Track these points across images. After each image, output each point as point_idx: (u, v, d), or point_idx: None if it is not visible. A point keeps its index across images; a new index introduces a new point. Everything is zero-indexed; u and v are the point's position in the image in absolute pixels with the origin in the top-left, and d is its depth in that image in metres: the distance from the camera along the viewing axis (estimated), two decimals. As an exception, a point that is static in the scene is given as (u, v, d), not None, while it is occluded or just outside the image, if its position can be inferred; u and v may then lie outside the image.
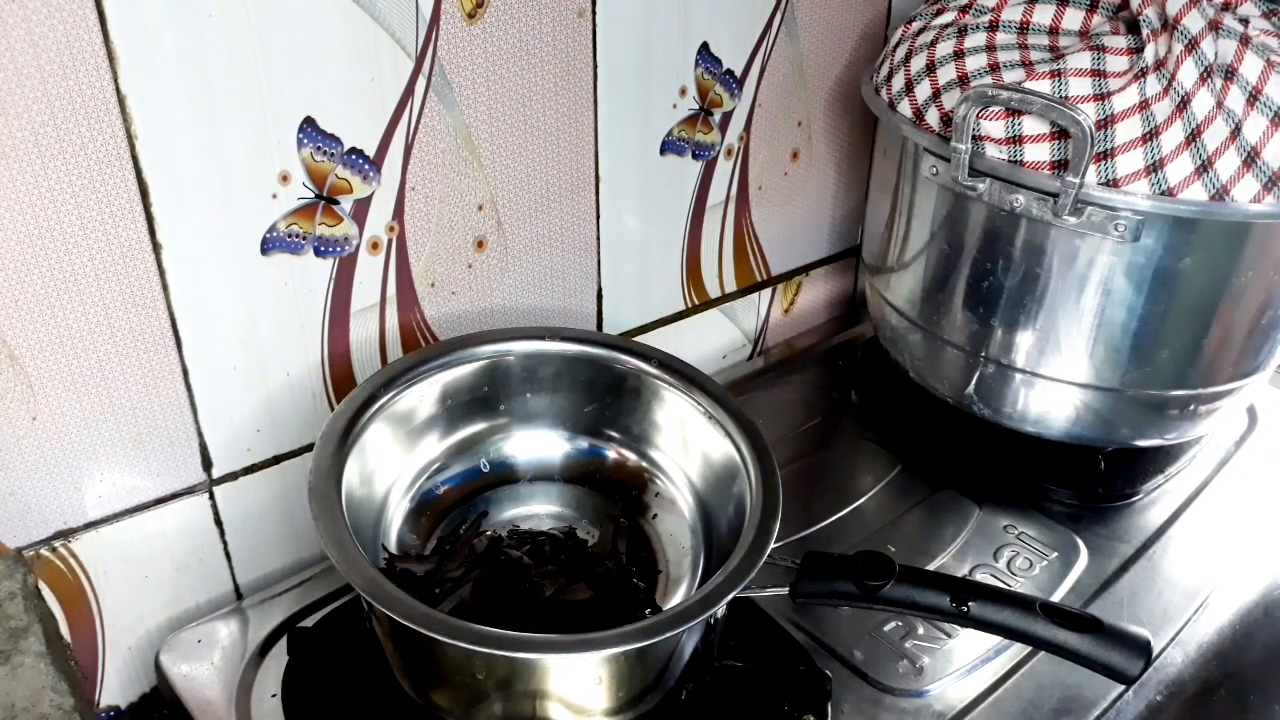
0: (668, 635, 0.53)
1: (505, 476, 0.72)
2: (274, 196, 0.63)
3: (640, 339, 0.89)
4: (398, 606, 0.52)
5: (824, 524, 0.78)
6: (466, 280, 0.75)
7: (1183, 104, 0.65)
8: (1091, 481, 0.82)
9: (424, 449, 0.69)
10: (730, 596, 0.54)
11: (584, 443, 0.73)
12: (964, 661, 0.67)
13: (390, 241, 0.70)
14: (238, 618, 0.69)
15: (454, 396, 0.69)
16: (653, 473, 0.71)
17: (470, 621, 0.52)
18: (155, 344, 0.62)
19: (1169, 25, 0.66)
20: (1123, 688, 0.65)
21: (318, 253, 0.67)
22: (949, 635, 0.68)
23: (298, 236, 0.65)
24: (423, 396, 0.68)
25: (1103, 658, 0.53)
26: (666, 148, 0.83)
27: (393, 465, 0.67)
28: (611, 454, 0.72)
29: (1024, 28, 0.74)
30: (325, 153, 0.64)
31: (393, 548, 0.65)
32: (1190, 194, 0.66)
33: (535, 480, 0.73)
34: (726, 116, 0.86)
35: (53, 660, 0.50)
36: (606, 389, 0.70)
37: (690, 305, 0.93)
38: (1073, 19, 0.74)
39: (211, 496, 0.69)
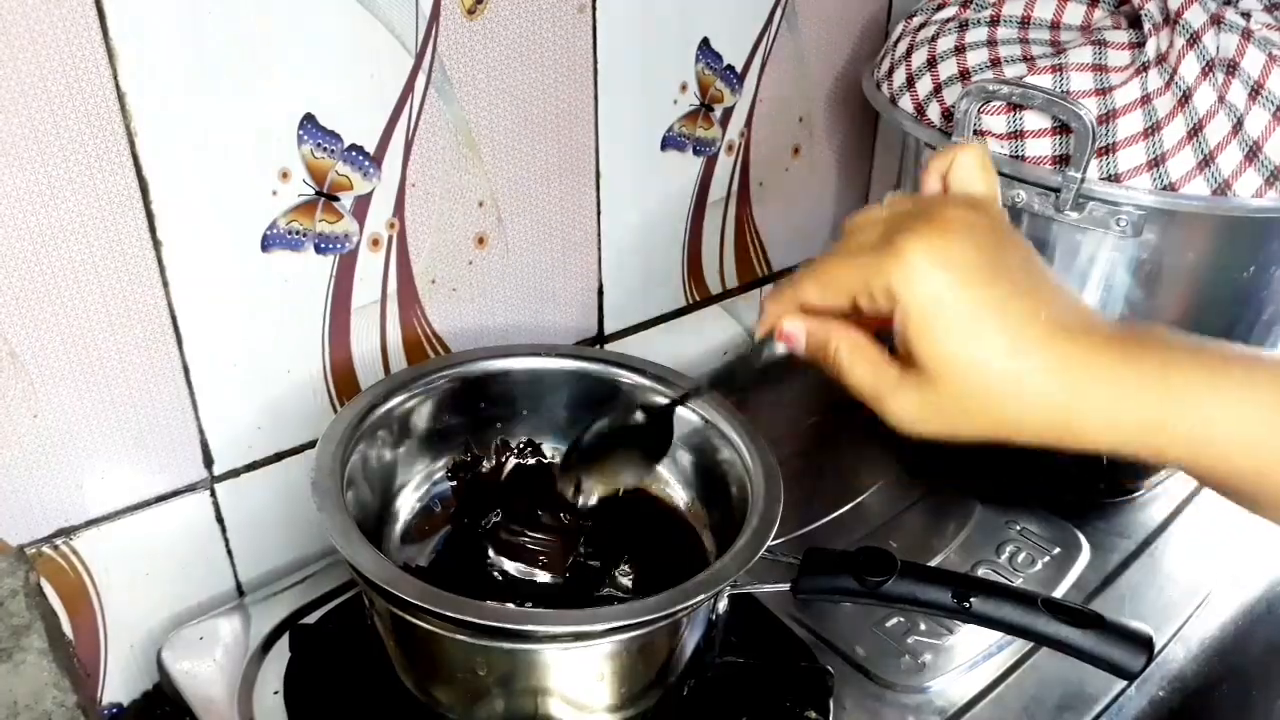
0: (677, 609, 0.52)
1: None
2: (274, 193, 0.63)
3: (642, 336, 0.89)
4: (404, 587, 0.52)
5: (825, 520, 0.78)
6: (467, 277, 0.75)
7: (1184, 98, 0.65)
8: (1094, 477, 0.82)
9: (423, 460, 0.69)
10: (732, 579, 0.54)
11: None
12: (966, 657, 0.67)
13: (390, 238, 0.70)
14: (239, 614, 0.69)
15: (453, 410, 0.69)
16: (653, 477, 0.71)
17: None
18: (156, 341, 0.62)
19: (1170, 20, 0.66)
20: (1125, 683, 0.65)
21: (318, 249, 0.67)
22: (951, 631, 0.68)
23: (298, 233, 0.65)
24: (422, 408, 0.67)
25: (1105, 653, 0.53)
26: (667, 143, 0.83)
27: (392, 475, 0.67)
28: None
29: (1025, 22, 0.74)
30: (325, 149, 0.64)
31: (393, 554, 0.65)
32: (1192, 189, 0.66)
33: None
34: (727, 112, 0.86)
35: (55, 658, 0.50)
36: (604, 403, 0.71)
37: (691, 301, 0.93)
38: (1074, 13, 0.74)
39: (213, 494, 0.69)
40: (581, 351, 0.73)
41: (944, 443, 0.44)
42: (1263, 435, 0.40)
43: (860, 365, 0.45)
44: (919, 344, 0.42)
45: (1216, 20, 0.65)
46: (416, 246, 0.71)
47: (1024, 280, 0.43)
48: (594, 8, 0.73)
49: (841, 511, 0.79)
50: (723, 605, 0.59)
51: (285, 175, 0.63)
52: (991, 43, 0.73)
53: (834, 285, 0.45)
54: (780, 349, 0.49)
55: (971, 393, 0.42)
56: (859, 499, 0.81)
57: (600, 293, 0.85)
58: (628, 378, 0.70)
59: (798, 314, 0.47)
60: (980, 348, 0.41)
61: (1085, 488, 0.82)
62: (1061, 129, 0.67)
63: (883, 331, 0.45)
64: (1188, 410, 0.41)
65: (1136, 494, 0.82)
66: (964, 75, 0.73)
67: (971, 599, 0.55)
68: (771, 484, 0.60)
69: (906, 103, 0.77)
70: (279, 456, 0.71)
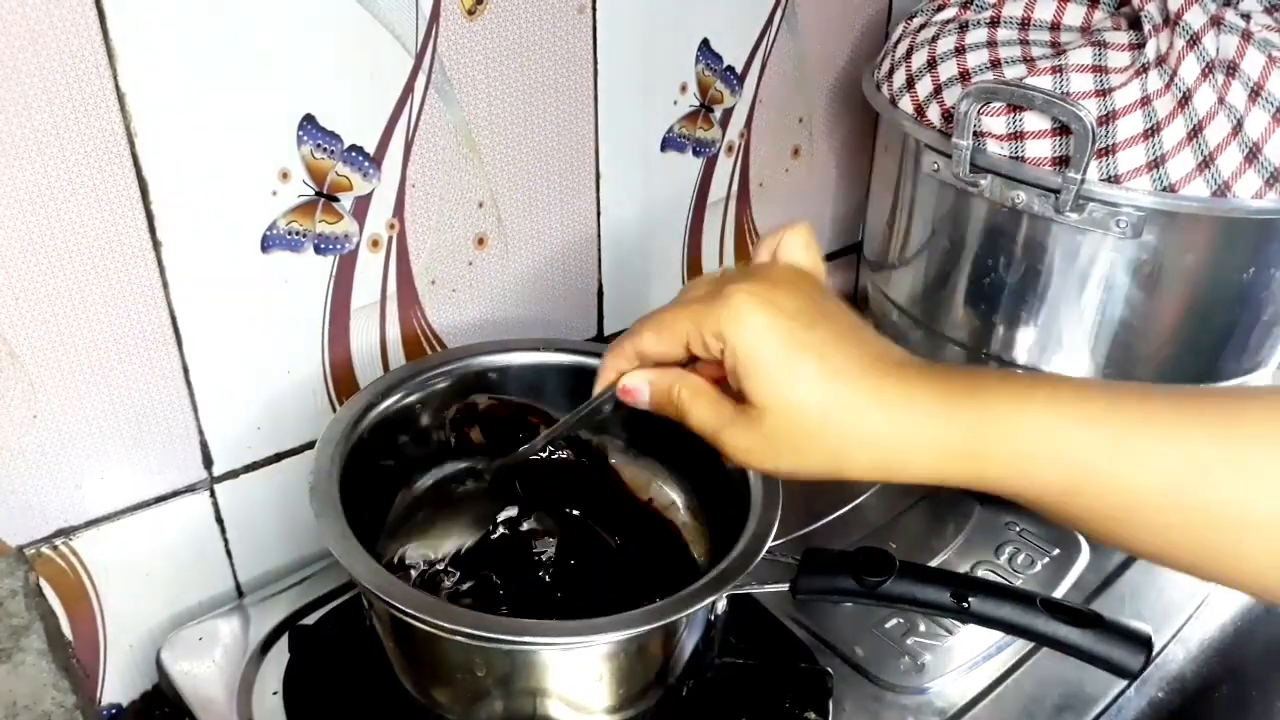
0: (670, 619, 0.52)
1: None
2: (274, 194, 0.63)
3: (641, 336, 0.89)
4: (400, 597, 0.52)
5: (825, 521, 0.78)
6: (467, 278, 0.75)
7: (1184, 100, 0.65)
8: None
9: (423, 456, 0.69)
10: (733, 584, 0.54)
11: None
12: (965, 658, 0.67)
13: (390, 239, 0.70)
14: (239, 615, 0.69)
15: (452, 406, 0.69)
16: (651, 476, 0.71)
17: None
18: (156, 341, 0.62)
19: (1170, 21, 0.66)
20: (1124, 684, 0.65)
21: (318, 250, 0.67)
22: (950, 632, 0.68)
23: (298, 234, 0.65)
24: (421, 405, 0.67)
25: (1104, 654, 0.53)
26: (667, 144, 0.83)
27: (391, 471, 0.67)
28: (610, 459, 0.72)
29: (1025, 23, 0.74)
30: (325, 150, 0.64)
31: (392, 551, 0.65)
32: (1192, 190, 0.66)
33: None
34: (727, 113, 0.86)
35: (54, 658, 0.49)
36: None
37: (691, 302, 0.93)
38: (1074, 14, 0.74)
39: (212, 494, 0.69)
40: (580, 346, 0.73)
41: (785, 480, 0.47)
42: (1075, 451, 0.42)
43: (699, 404, 0.48)
44: (746, 382, 0.45)
45: (1216, 21, 0.65)
46: (416, 247, 0.71)
47: (842, 326, 0.46)
48: (594, 8, 0.73)
49: (841, 512, 0.79)
50: (722, 606, 0.59)
51: (285, 176, 0.63)
52: (991, 44, 0.73)
53: (669, 332, 0.48)
54: (602, 407, 0.52)
55: (796, 428, 0.45)
56: (858, 499, 0.81)
57: (600, 293, 0.85)
58: None
59: (637, 367, 0.50)
60: (800, 385, 0.44)
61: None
62: (1061, 130, 0.67)
63: (720, 383, 0.48)
64: (1000, 433, 0.43)
65: (1136, 495, 0.82)
66: (964, 76, 0.73)
67: (970, 599, 0.55)
68: (770, 486, 0.60)
69: (906, 104, 0.77)
70: (278, 457, 0.71)
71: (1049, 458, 0.42)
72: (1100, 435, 0.42)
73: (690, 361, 0.49)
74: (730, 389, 0.47)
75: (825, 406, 0.44)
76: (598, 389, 0.52)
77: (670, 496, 0.70)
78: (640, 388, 0.50)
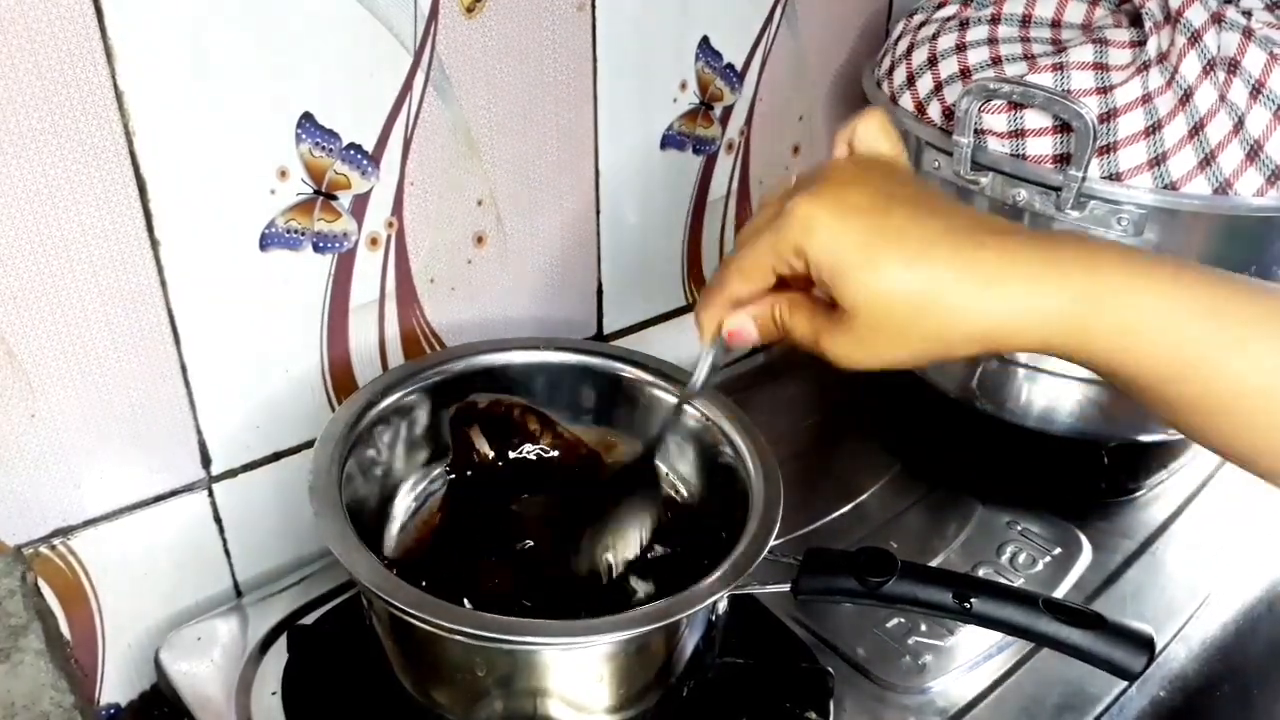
0: (671, 619, 0.52)
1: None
2: (272, 192, 0.63)
3: (641, 335, 0.89)
4: (400, 596, 0.52)
5: (826, 521, 0.78)
6: (466, 276, 0.75)
7: (1185, 97, 0.65)
8: (1095, 477, 0.82)
9: (422, 455, 0.69)
10: (733, 586, 0.54)
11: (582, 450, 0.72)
12: (966, 658, 0.67)
13: (389, 237, 0.69)
14: (237, 615, 0.69)
15: (450, 405, 0.69)
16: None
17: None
18: (154, 341, 0.62)
19: (1171, 18, 0.66)
20: (1126, 684, 0.65)
21: (316, 248, 0.66)
22: (951, 632, 0.68)
23: (296, 232, 0.65)
24: (420, 404, 0.67)
25: (1105, 654, 0.53)
26: (667, 142, 0.83)
27: (390, 471, 0.67)
28: (610, 460, 0.71)
29: (1026, 21, 0.74)
30: (323, 148, 0.64)
31: (391, 551, 0.65)
32: (1193, 188, 0.65)
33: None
34: (727, 111, 0.86)
35: (52, 658, 0.49)
36: (603, 397, 0.71)
37: (691, 301, 0.93)
38: (1075, 12, 0.74)
39: (211, 494, 0.69)
40: (579, 345, 0.73)
41: (887, 372, 0.46)
42: (1189, 335, 0.41)
43: (797, 317, 0.48)
44: (832, 287, 0.44)
45: (1217, 19, 0.65)
46: (415, 245, 0.71)
47: (923, 207, 0.44)
48: (593, 6, 0.73)
49: (842, 511, 0.79)
50: (722, 606, 0.58)
51: (283, 174, 0.63)
52: (992, 41, 0.73)
53: (752, 269, 0.47)
54: (718, 358, 0.52)
55: (891, 319, 0.43)
56: (859, 499, 0.81)
57: (599, 292, 0.84)
58: (628, 371, 0.69)
59: (732, 311, 0.50)
60: (884, 275, 0.43)
61: (1086, 487, 0.82)
62: (1062, 128, 0.67)
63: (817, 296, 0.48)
64: (1113, 304, 0.41)
65: (1138, 494, 0.82)
66: (965, 74, 0.73)
67: (972, 599, 0.55)
68: (771, 487, 0.60)
69: (907, 101, 0.77)
70: (277, 456, 0.71)
71: (1161, 339, 0.41)
72: (1216, 326, 0.41)
73: (782, 287, 0.49)
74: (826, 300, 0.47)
75: (915, 291, 0.42)
76: (706, 343, 0.52)
77: (670, 493, 0.70)
78: (744, 325, 0.50)
